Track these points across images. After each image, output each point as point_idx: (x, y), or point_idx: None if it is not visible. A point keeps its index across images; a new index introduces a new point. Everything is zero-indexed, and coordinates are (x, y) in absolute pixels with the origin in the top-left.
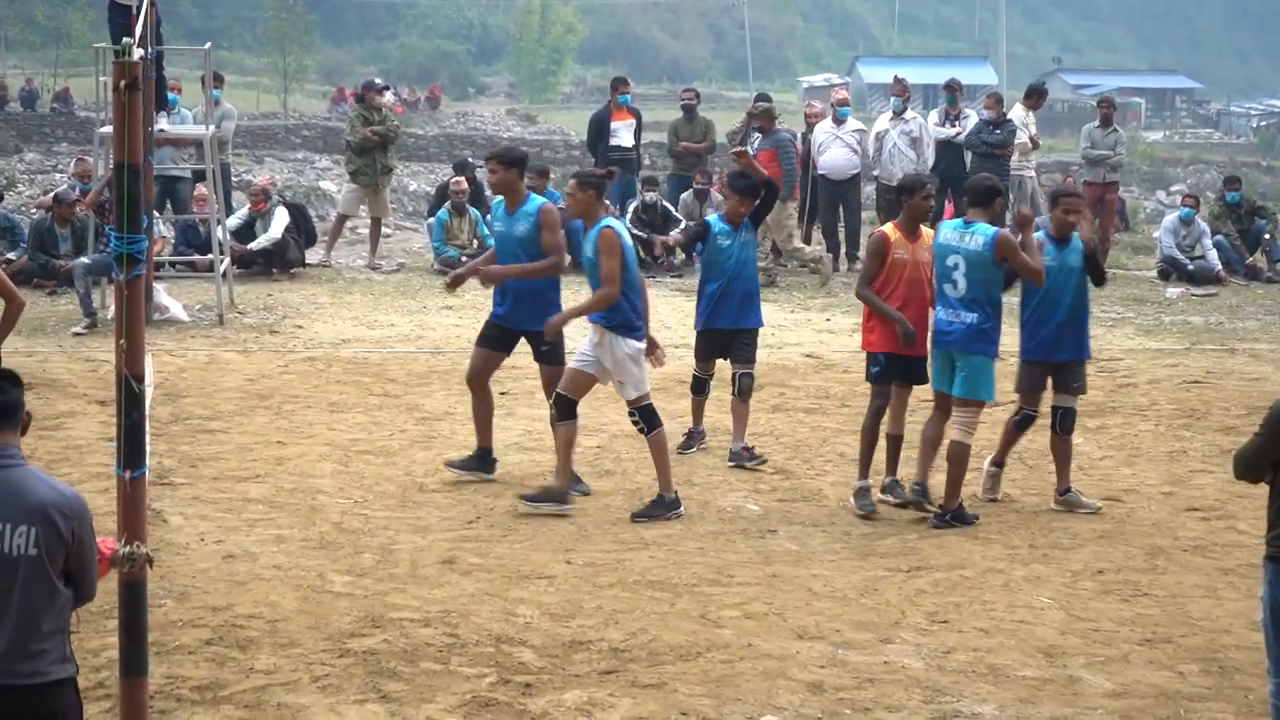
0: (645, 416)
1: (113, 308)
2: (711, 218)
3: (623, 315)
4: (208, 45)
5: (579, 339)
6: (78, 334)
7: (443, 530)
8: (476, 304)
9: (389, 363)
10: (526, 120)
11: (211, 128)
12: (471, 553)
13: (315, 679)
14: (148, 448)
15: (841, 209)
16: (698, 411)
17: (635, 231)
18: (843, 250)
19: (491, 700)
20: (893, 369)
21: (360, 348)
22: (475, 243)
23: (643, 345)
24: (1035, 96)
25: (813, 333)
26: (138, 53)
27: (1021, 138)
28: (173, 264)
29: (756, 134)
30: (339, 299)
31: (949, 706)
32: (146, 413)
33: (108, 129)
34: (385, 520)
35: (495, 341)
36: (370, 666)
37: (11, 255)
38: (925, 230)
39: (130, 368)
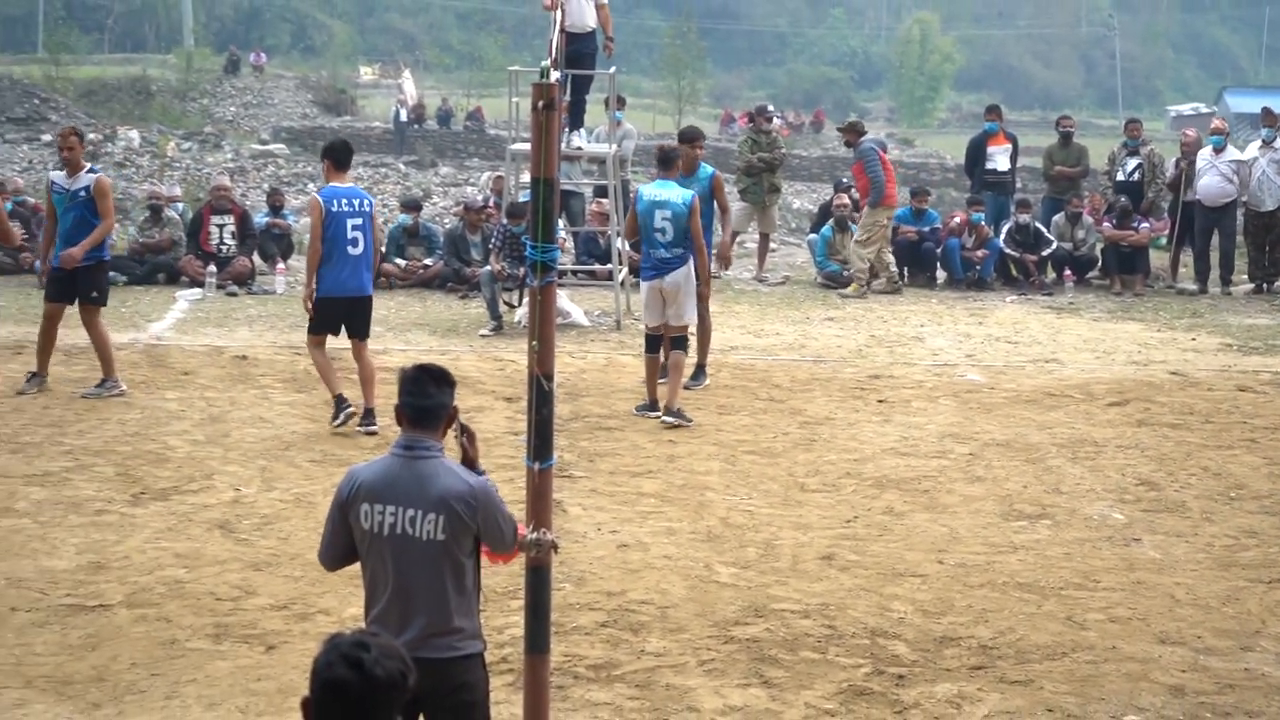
0: None
1: (519, 312)
2: None
3: None
4: (612, 70)
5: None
6: (485, 335)
7: (822, 528)
8: (856, 316)
9: (774, 369)
10: (904, 143)
11: (614, 146)
12: (849, 550)
13: (701, 663)
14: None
15: (1216, 235)
16: None
17: (1009, 251)
18: (1214, 274)
19: (866, 689)
20: None
21: (747, 354)
22: None
23: None
24: None
25: (1178, 351)
26: (554, 75)
27: None
28: (575, 273)
29: (1128, 158)
30: (728, 308)
31: None
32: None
33: (519, 145)
34: (768, 517)
35: None
36: (753, 653)
37: (428, 261)
38: None
39: (541, 367)
